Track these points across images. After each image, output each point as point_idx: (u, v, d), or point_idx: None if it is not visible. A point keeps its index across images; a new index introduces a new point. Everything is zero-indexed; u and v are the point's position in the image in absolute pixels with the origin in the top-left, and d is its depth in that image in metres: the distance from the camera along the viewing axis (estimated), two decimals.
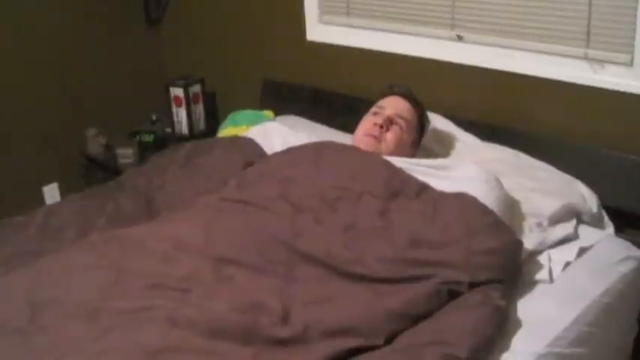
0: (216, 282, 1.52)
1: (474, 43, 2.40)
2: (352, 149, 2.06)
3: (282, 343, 1.40)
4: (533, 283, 1.77)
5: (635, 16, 1.99)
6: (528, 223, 1.93)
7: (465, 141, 2.34)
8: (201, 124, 3.35)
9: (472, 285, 1.60)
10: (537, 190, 2.04)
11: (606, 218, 2.07)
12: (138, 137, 3.33)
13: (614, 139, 2.11)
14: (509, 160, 2.21)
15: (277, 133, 2.30)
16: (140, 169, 2.35)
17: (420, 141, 2.23)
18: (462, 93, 2.47)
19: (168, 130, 3.36)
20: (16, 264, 1.72)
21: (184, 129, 3.30)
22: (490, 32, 2.35)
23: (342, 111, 2.71)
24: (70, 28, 3.26)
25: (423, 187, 1.87)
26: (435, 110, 2.39)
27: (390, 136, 2.09)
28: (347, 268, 1.61)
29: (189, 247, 1.62)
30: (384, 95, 2.23)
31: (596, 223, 2.04)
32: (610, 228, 2.05)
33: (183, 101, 3.24)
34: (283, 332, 1.41)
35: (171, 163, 2.26)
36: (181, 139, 3.11)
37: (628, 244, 1.95)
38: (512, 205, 1.95)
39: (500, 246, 1.68)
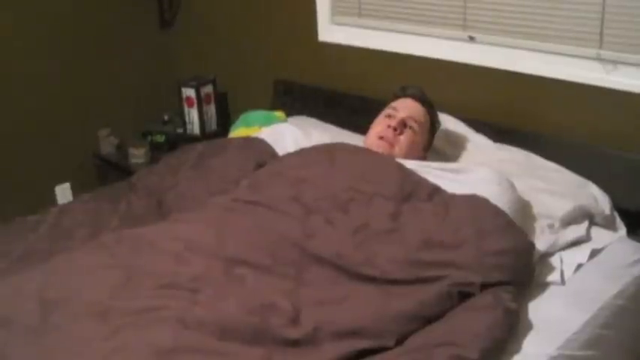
0: (226, 282, 1.53)
1: (486, 43, 2.39)
2: (365, 151, 2.06)
3: (292, 344, 1.40)
4: (545, 285, 1.76)
5: None
6: (540, 225, 1.92)
7: (477, 142, 2.33)
8: (212, 125, 3.36)
9: (483, 286, 1.59)
10: (549, 191, 2.03)
11: (618, 220, 2.05)
12: (150, 137, 3.35)
13: (626, 141, 2.09)
14: (521, 161, 2.20)
15: (289, 134, 2.30)
16: (152, 169, 2.36)
17: (431, 143, 2.22)
18: (473, 94, 2.46)
19: (180, 130, 3.38)
20: (28, 263, 1.74)
21: (196, 129, 3.32)
22: (502, 33, 2.34)
23: (353, 112, 2.71)
24: (83, 30, 3.28)
25: (436, 190, 1.86)
26: (447, 111, 2.38)
27: (403, 139, 2.09)
28: (357, 269, 1.60)
29: (200, 248, 1.62)
30: (396, 97, 2.22)
31: (609, 224, 2.03)
32: (622, 230, 2.03)
33: (195, 102, 3.26)
34: (293, 333, 1.41)
35: (182, 163, 2.26)
36: (193, 139, 3.11)
37: None
38: (524, 207, 1.94)
39: (512, 247, 1.67)
